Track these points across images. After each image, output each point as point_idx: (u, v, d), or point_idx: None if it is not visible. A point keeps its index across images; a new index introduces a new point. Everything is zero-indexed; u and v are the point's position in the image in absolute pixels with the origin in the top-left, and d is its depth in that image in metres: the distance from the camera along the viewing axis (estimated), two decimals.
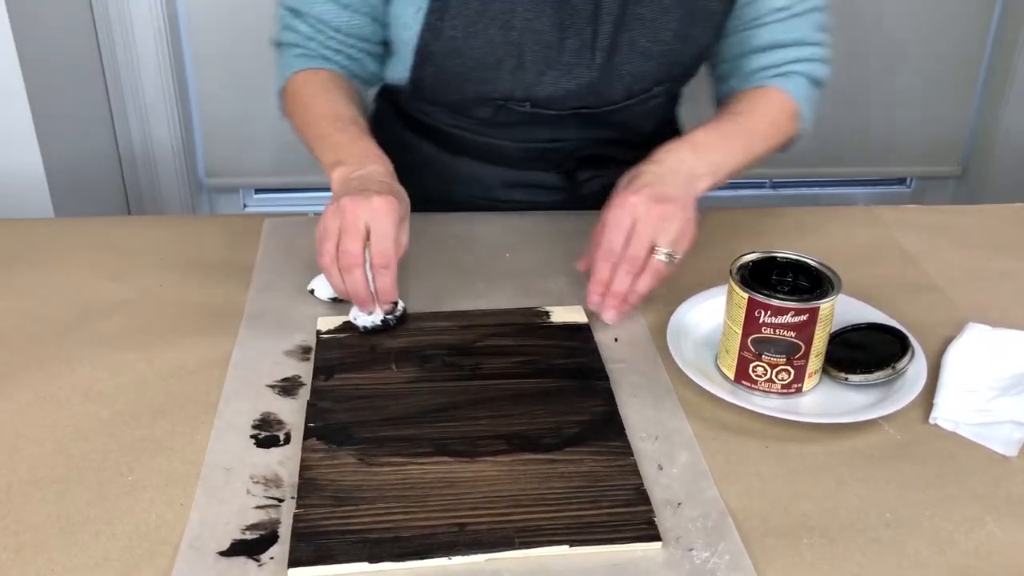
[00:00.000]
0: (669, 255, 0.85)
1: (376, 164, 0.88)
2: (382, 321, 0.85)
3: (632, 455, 0.72)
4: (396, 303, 0.86)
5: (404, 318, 0.87)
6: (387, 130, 1.14)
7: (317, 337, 0.85)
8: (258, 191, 2.42)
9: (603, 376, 0.82)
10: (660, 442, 0.75)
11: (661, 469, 0.72)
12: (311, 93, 0.99)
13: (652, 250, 0.85)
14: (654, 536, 0.65)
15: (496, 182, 1.12)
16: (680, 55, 1.02)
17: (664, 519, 0.67)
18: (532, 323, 0.88)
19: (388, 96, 1.17)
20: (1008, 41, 2.24)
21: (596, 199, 0.96)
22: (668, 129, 1.19)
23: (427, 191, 1.11)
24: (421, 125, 1.13)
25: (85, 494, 0.68)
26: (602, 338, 0.87)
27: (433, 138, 1.12)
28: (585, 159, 1.12)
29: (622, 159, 1.09)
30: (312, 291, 0.91)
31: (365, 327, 0.86)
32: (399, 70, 1.05)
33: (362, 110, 1.01)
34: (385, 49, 1.06)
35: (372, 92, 1.15)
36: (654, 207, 0.84)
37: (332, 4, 1.00)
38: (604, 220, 0.87)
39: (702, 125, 0.96)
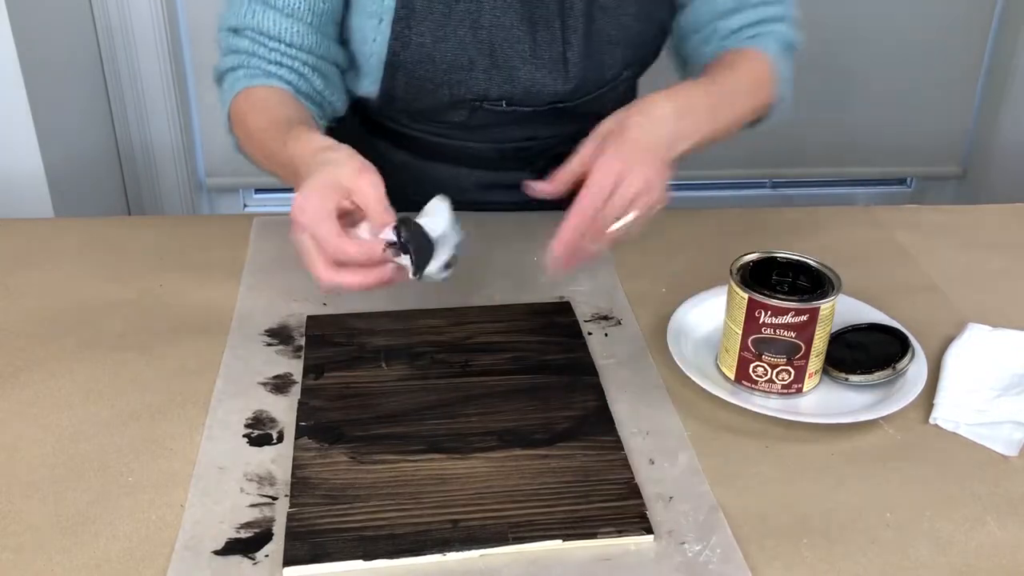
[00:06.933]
0: (627, 223, 0.80)
1: (335, 152, 0.81)
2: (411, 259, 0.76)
3: (623, 450, 0.73)
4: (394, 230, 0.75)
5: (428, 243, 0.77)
6: (354, 140, 1.00)
7: (306, 335, 0.86)
8: (258, 191, 2.42)
9: (593, 372, 0.82)
10: (651, 437, 0.75)
11: (652, 464, 0.72)
12: (249, 110, 0.93)
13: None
14: (646, 529, 0.65)
15: (472, 185, 1.12)
16: (644, 36, 1.04)
17: (656, 513, 0.67)
18: (521, 319, 0.88)
19: (353, 106, 1.10)
20: (1008, 41, 2.24)
21: (570, 197, 0.90)
22: None
23: (404, 196, 1.01)
24: (392, 133, 1.11)
25: (85, 494, 0.68)
26: (591, 334, 0.87)
27: (405, 145, 1.11)
28: (558, 156, 1.11)
29: None
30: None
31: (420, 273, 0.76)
32: (367, 83, 1.02)
33: (309, 117, 0.94)
34: (334, 67, 1.00)
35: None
36: (636, 177, 0.79)
37: (274, 12, 0.93)
38: (588, 181, 0.81)
39: (685, 84, 0.91)
